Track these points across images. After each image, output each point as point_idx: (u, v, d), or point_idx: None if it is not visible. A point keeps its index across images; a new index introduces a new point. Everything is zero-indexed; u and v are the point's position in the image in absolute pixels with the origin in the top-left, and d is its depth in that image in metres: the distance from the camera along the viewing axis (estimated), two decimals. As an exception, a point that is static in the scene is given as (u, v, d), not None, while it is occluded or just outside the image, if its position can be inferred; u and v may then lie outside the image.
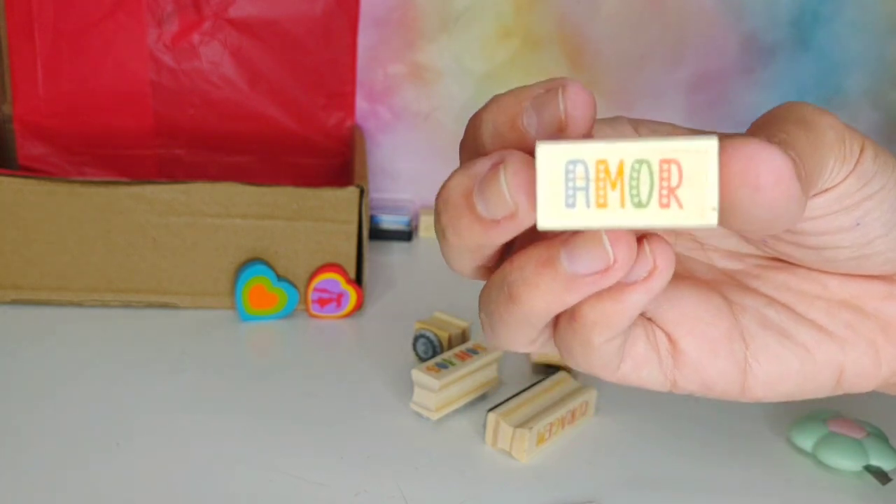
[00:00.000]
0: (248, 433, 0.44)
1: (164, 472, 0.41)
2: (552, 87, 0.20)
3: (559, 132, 0.19)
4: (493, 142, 0.21)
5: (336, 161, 0.75)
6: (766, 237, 0.24)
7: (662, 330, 0.24)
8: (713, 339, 0.24)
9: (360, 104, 0.75)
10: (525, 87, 0.20)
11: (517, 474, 0.43)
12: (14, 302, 0.57)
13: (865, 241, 0.23)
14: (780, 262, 0.26)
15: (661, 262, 0.20)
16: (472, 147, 0.21)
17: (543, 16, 0.72)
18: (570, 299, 0.20)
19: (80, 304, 0.57)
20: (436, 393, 0.46)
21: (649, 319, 0.24)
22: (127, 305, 0.58)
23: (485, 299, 0.22)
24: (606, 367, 0.23)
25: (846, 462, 0.44)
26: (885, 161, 0.23)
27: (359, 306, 0.59)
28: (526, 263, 0.20)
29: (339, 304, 0.58)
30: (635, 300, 0.20)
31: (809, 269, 0.26)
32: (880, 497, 0.43)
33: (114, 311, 0.57)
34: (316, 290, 0.58)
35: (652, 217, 0.18)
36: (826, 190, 0.22)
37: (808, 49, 0.75)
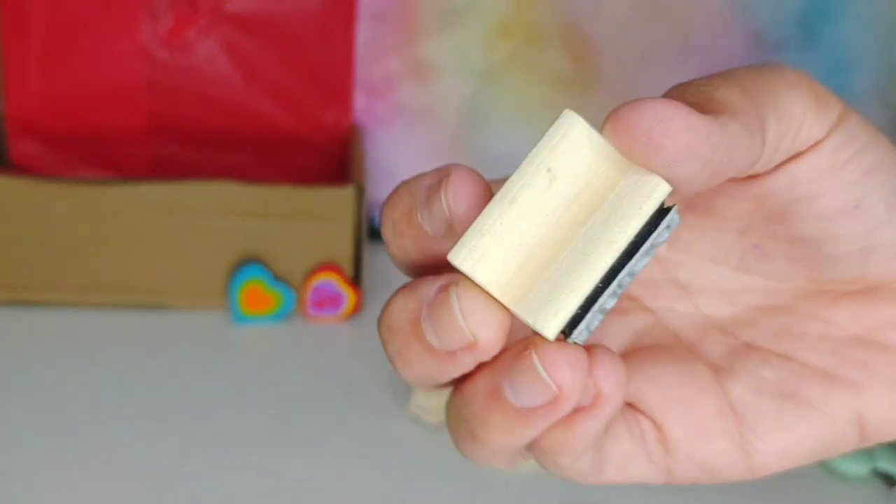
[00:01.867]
0: (245, 436, 0.45)
1: (158, 475, 0.41)
2: (438, 179, 0.17)
3: (448, 229, 0.17)
4: (395, 240, 0.19)
5: (333, 159, 0.75)
6: (758, 241, 0.22)
7: (646, 416, 0.22)
8: (702, 420, 0.22)
9: (358, 101, 0.75)
10: (421, 175, 0.18)
11: (517, 477, 0.43)
12: (5, 302, 0.56)
13: (867, 228, 0.20)
14: (777, 304, 0.22)
15: (607, 387, 0.17)
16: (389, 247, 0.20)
17: (546, 11, 0.72)
18: (528, 434, 0.17)
19: (72, 305, 0.57)
20: (435, 396, 0.46)
21: (631, 406, 0.22)
22: (120, 306, 0.57)
23: (450, 428, 0.19)
24: (587, 476, 0.21)
25: (854, 466, 0.45)
26: (877, 135, 0.21)
27: (357, 308, 0.58)
28: (473, 398, 0.18)
29: (336, 306, 0.58)
30: (587, 427, 0.18)
31: (811, 301, 0.22)
32: (888, 501, 0.43)
33: (106, 311, 0.57)
34: (313, 290, 0.57)
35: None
36: (809, 149, 0.20)
37: (815, 47, 0.75)
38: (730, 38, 0.75)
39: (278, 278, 0.57)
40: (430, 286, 0.17)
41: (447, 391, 0.20)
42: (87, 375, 0.50)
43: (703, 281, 0.23)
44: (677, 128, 0.16)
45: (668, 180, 0.17)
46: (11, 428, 0.44)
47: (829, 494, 0.44)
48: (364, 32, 0.72)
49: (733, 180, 0.19)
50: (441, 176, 0.17)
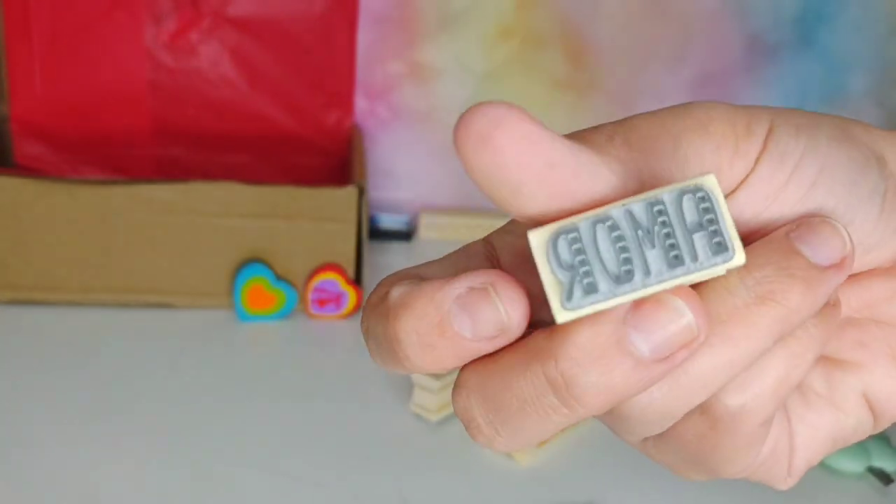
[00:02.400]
0: (247, 433, 0.45)
1: (161, 471, 0.41)
2: (478, 288, 0.17)
3: (501, 334, 0.17)
4: (424, 353, 0.18)
5: (335, 160, 0.75)
6: None
7: None
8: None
9: (359, 103, 0.75)
10: (435, 287, 0.17)
11: (517, 476, 0.43)
12: (10, 301, 0.56)
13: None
14: None
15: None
16: (391, 360, 0.19)
17: (544, 14, 0.72)
18: (655, 377, 0.17)
19: (77, 304, 0.57)
20: (436, 394, 0.46)
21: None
22: (124, 305, 0.58)
23: (466, 413, 0.19)
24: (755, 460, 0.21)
25: (849, 463, 0.45)
26: (815, 134, 0.19)
27: (358, 306, 0.59)
28: (584, 350, 0.16)
29: (338, 305, 0.58)
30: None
31: None
32: (883, 498, 0.43)
33: (111, 310, 0.57)
34: (315, 290, 0.58)
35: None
36: (739, 187, 0.19)
37: (811, 48, 0.75)
38: (727, 42, 0.75)
39: (281, 278, 0.57)
40: (452, 291, 0.17)
41: (447, 392, 0.20)
42: (92, 375, 0.49)
43: None
44: (509, 126, 0.16)
45: (505, 185, 0.16)
46: (21, 424, 0.44)
47: (825, 491, 0.43)
48: (365, 36, 0.72)
49: None
50: (474, 284, 0.17)
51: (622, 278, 0.16)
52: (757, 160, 0.19)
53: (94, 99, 0.70)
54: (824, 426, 0.21)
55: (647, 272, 0.16)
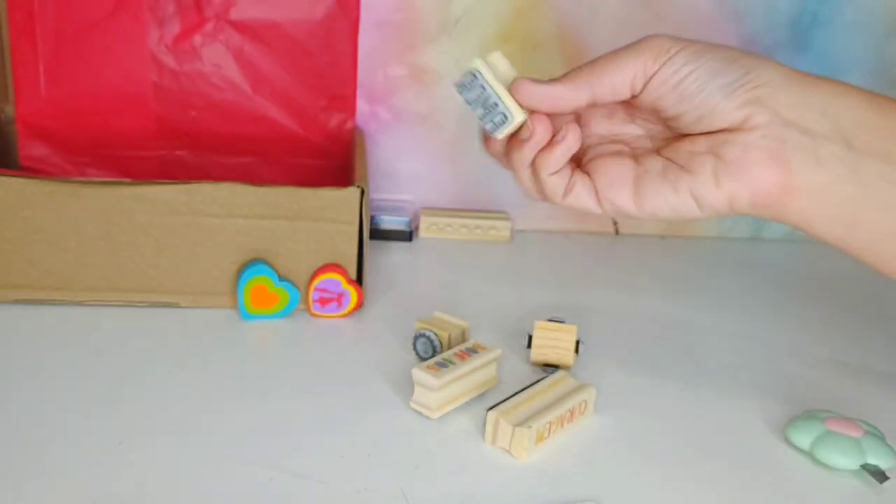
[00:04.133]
0: (250, 431, 0.45)
1: (165, 470, 0.41)
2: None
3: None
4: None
5: (337, 162, 0.75)
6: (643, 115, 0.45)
7: (590, 177, 0.45)
8: (619, 182, 0.44)
9: (361, 106, 0.75)
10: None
11: (516, 473, 0.43)
12: (16, 302, 0.57)
13: (692, 105, 0.41)
14: (674, 137, 0.44)
15: (541, 133, 0.44)
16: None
17: (542, 19, 0.73)
18: (528, 156, 0.45)
19: (81, 304, 0.58)
20: (436, 392, 0.46)
21: (585, 172, 0.45)
22: (129, 305, 0.58)
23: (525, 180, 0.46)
24: (555, 196, 0.45)
25: (843, 461, 0.45)
26: (704, 50, 0.41)
27: (359, 306, 0.59)
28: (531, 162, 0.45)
29: (339, 304, 0.59)
30: (555, 155, 0.44)
31: (687, 135, 0.42)
32: (877, 496, 0.43)
33: (115, 310, 0.57)
34: (317, 289, 0.58)
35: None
36: (654, 76, 0.41)
37: (806, 51, 0.76)
38: (722, 43, 0.75)
39: (283, 277, 0.58)
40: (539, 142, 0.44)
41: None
42: (97, 374, 0.50)
43: (628, 131, 0.47)
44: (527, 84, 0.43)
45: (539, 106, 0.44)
46: (25, 424, 0.44)
47: (820, 489, 0.44)
48: (367, 40, 0.73)
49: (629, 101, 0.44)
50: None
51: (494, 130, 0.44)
52: (655, 72, 0.41)
53: (99, 101, 0.70)
54: (667, 201, 0.43)
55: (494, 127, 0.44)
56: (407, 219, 0.75)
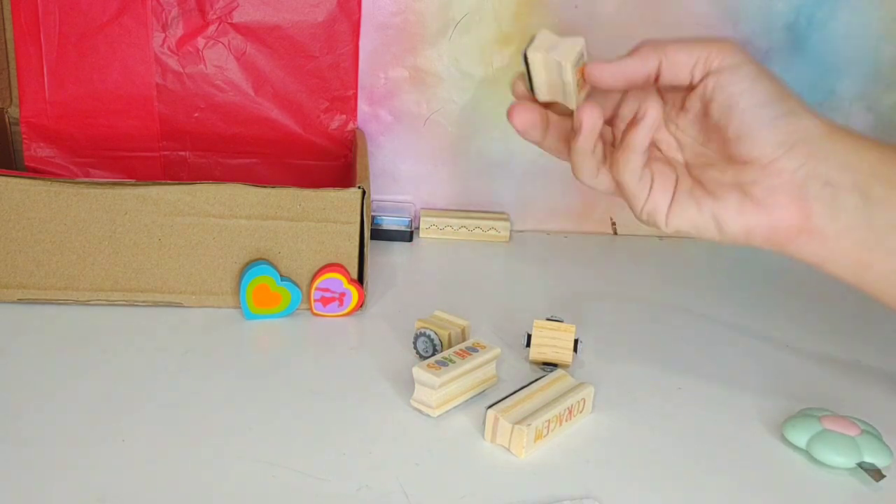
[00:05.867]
0: (252, 429, 0.45)
1: (168, 467, 0.41)
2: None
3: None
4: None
5: (338, 163, 0.75)
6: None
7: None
8: (663, 188, 0.44)
9: (362, 107, 0.75)
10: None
11: (516, 470, 0.43)
12: (21, 301, 0.57)
13: (736, 121, 0.41)
14: (709, 159, 0.44)
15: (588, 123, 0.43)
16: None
17: (542, 21, 0.73)
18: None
19: (86, 304, 0.58)
20: (436, 390, 0.46)
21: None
22: (132, 304, 0.58)
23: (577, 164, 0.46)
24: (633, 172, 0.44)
25: (840, 459, 0.45)
26: (763, 75, 0.42)
27: (360, 305, 0.59)
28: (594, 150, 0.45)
29: (341, 304, 0.59)
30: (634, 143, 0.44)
31: (724, 162, 0.43)
32: (874, 493, 0.44)
33: (119, 309, 0.58)
34: (318, 289, 0.58)
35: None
36: (707, 76, 0.42)
37: (802, 53, 0.76)
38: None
39: (285, 277, 0.58)
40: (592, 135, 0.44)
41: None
42: (101, 373, 0.50)
43: (672, 139, 0.47)
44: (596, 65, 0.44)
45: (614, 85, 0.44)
46: (29, 423, 0.44)
47: (816, 487, 0.44)
48: (368, 42, 0.73)
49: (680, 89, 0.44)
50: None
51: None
52: (726, 68, 0.42)
53: (103, 102, 0.71)
54: (691, 218, 0.44)
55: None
56: (407, 219, 0.76)
